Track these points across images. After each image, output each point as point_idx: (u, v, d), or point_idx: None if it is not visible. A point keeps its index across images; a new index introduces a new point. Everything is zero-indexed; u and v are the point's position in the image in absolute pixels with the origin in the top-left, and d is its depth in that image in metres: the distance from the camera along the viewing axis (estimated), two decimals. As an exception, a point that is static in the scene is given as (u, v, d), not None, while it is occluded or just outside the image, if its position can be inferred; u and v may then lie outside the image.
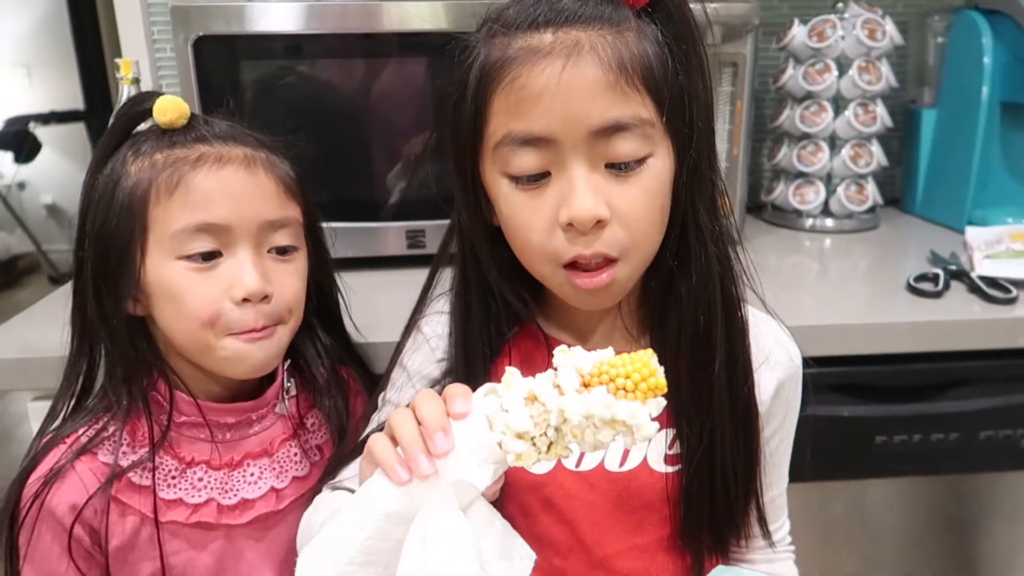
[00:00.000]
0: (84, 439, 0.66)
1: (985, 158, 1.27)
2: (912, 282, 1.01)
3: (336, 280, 0.80)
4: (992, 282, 0.99)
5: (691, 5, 0.59)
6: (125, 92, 1.14)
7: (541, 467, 0.63)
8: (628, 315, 0.68)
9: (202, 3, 1.00)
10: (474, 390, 0.52)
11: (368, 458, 0.53)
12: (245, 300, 0.65)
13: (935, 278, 1.01)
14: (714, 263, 0.63)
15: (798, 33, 1.27)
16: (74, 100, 4.35)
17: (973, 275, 1.01)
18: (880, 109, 1.28)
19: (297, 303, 0.70)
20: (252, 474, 0.70)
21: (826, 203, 1.33)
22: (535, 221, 0.58)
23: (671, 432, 0.66)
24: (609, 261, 0.58)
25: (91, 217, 0.66)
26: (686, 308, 0.63)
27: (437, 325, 0.70)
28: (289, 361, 0.75)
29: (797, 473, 0.95)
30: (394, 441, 0.51)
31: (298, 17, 1.02)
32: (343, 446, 0.73)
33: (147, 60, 1.34)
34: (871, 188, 1.32)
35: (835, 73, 1.25)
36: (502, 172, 0.59)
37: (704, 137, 0.61)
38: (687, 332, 0.64)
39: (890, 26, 1.25)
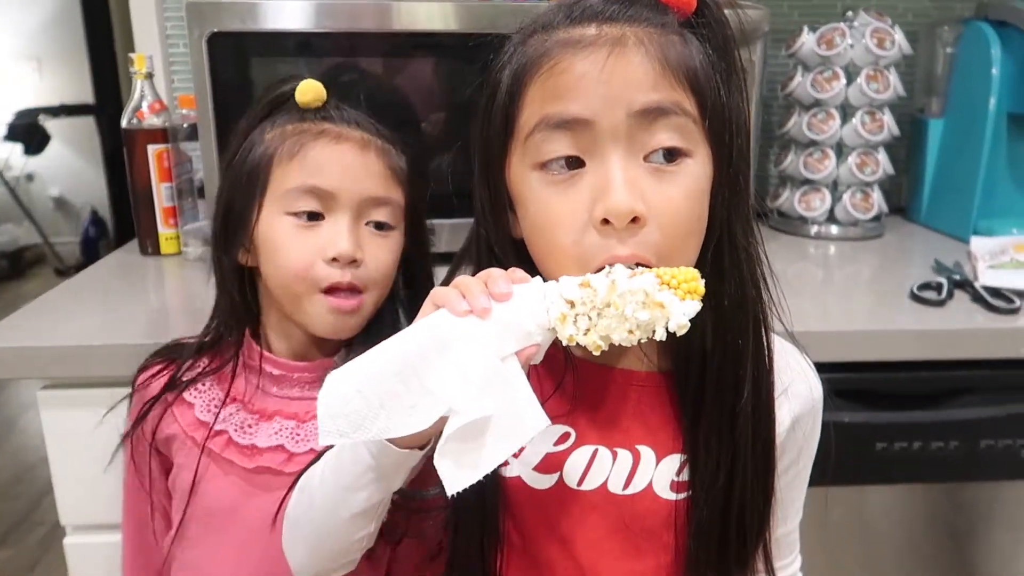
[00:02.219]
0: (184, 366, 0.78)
1: (991, 168, 1.28)
2: (916, 290, 1.01)
3: (431, 273, 0.84)
4: (996, 292, 1.00)
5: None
6: (139, 87, 1.16)
7: (542, 482, 0.63)
8: (649, 341, 0.65)
9: (217, 0, 1.01)
10: None
11: (429, 303, 0.54)
12: (335, 260, 0.71)
13: (939, 287, 1.02)
14: (749, 286, 0.61)
15: (807, 40, 1.27)
16: (84, 94, 4.37)
17: (977, 285, 1.02)
18: (887, 118, 1.29)
19: (382, 275, 0.75)
20: (274, 428, 0.75)
21: (832, 210, 1.33)
22: (566, 218, 0.55)
23: (680, 458, 0.63)
24: (639, 264, 0.54)
25: (228, 175, 0.76)
26: (717, 331, 0.61)
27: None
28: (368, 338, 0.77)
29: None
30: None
31: (311, 15, 1.03)
32: None
33: (160, 55, 1.35)
34: (877, 196, 1.32)
35: (843, 81, 1.26)
36: (532, 164, 0.56)
37: (742, 155, 0.59)
38: (716, 357, 0.61)
39: (899, 35, 1.25)
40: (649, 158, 0.55)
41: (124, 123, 1.16)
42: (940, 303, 0.99)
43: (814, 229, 1.35)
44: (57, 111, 4.60)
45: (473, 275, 0.61)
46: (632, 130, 0.54)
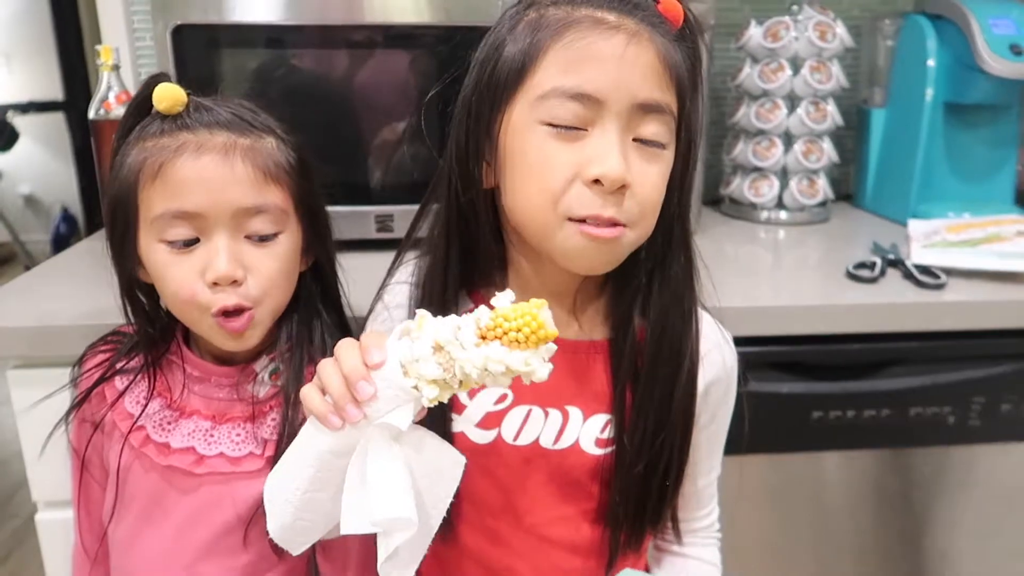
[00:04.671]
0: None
1: (929, 156, 1.34)
2: (851, 269, 1.07)
3: (334, 260, 0.82)
4: (925, 270, 1.06)
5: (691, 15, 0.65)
6: (105, 79, 1.19)
7: (483, 437, 0.70)
8: (582, 308, 0.72)
9: (181, -7, 1.05)
10: None
11: (304, 408, 0.58)
12: (215, 283, 0.69)
13: (872, 265, 1.08)
14: (691, 266, 0.70)
15: (755, 34, 1.33)
16: (53, 90, 4.33)
17: (908, 263, 1.08)
18: (831, 108, 1.35)
19: (272, 285, 0.73)
20: (189, 428, 0.76)
21: (780, 197, 1.39)
22: (559, 169, 0.61)
23: (606, 417, 0.71)
24: (615, 224, 0.62)
25: (108, 188, 0.73)
26: (657, 305, 0.68)
27: (397, 295, 0.75)
28: (290, 343, 0.77)
29: (738, 445, 1.02)
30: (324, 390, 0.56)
31: (277, 8, 1.07)
32: None
33: (127, 48, 1.38)
34: (822, 183, 1.38)
35: (788, 72, 1.32)
36: (540, 120, 0.61)
37: (695, 154, 0.67)
38: (655, 329, 0.68)
39: (841, 29, 1.31)
40: (638, 140, 0.62)
41: (91, 114, 1.19)
42: (873, 280, 1.05)
43: (764, 215, 1.40)
44: (26, 108, 4.55)
45: (439, 228, 0.69)
46: (632, 115, 0.61)
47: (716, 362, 0.73)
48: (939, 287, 1.02)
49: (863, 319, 0.99)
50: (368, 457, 0.54)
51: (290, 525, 0.61)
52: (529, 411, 0.70)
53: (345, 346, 0.56)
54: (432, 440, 0.58)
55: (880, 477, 1.08)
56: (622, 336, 0.69)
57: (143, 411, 0.76)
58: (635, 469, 0.69)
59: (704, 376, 0.72)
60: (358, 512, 0.54)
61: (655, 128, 0.62)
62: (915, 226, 1.23)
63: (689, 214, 0.69)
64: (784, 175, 1.39)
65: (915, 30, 1.33)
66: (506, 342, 0.51)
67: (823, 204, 1.41)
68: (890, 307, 1.00)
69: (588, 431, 0.70)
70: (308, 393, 0.57)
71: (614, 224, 0.61)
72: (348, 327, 0.84)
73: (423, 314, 0.55)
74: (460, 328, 0.52)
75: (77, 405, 0.79)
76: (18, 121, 4.62)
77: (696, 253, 0.71)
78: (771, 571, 1.10)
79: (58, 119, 4.46)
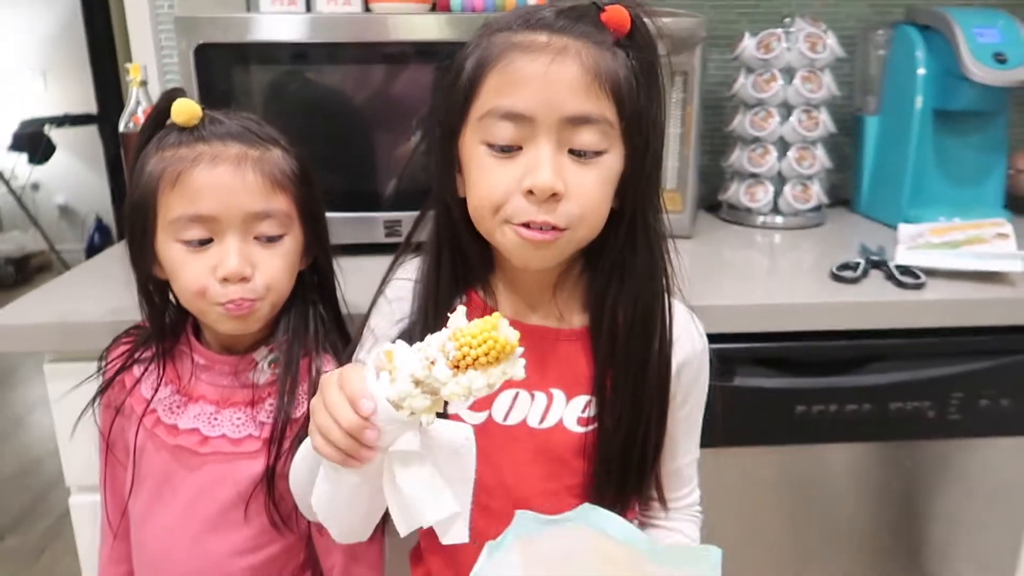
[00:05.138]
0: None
1: (919, 161, 1.38)
2: (835, 270, 1.12)
3: (332, 260, 0.89)
4: (906, 270, 1.10)
5: (645, 20, 0.70)
6: (134, 94, 1.27)
7: (475, 418, 0.76)
8: (563, 300, 0.78)
9: (203, 14, 1.13)
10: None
11: (323, 457, 0.62)
12: (225, 279, 0.77)
13: (856, 266, 1.12)
14: (657, 256, 0.75)
15: (748, 45, 1.38)
16: (87, 104, 4.48)
17: (890, 264, 1.12)
18: (824, 116, 1.40)
19: (276, 281, 0.80)
20: (195, 411, 0.84)
21: (775, 202, 1.44)
22: (501, 183, 0.68)
23: (587, 398, 0.77)
24: (554, 228, 0.68)
25: (129, 192, 0.81)
26: (629, 289, 0.74)
27: (399, 290, 0.82)
28: (288, 335, 0.85)
29: (723, 438, 1.07)
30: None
31: (292, 29, 1.15)
32: None
33: (155, 65, 1.47)
34: (816, 188, 1.43)
35: (780, 82, 1.37)
36: (482, 140, 0.69)
37: (654, 154, 0.72)
38: (628, 311, 0.75)
39: (831, 40, 1.36)
40: (573, 151, 0.68)
41: (121, 127, 1.28)
42: (855, 280, 1.10)
43: (760, 219, 1.45)
44: (62, 121, 4.72)
45: (431, 236, 0.77)
46: (562, 128, 0.67)
47: (686, 346, 0.79)
48: (919, 287, 1.07)
49: (843, 317, 1.04)
50: (396, 475, 0.60)
51: (347, 533, 0.70)
52: (516, 394, 0.77)
53: (333, 402, 0.59)
54: (440, 426, 0.62)
55: (863, 470, 1.12)
56: (599, 323, 0.76)
57: (155, 395, 0.84)
58: (614, 443, 0.75)
59: (676, 357, 0.78)
60: (407, 516, 0.62)
61: (588, 138, 0.67)
62: (904, 229, 1.28)
63: (652, 208, 0.74)
64: (779, 181, 1.44)
65: (905, 40, 1.38)
66: (478, 366, 0.55)
67: (818, 208, 1.45)
68: (870, 305, 1.05)
69: (571, 411, 0.77)
70: (321, 447, 0.61)
71: (552, 228, 0.68)
72: (343, 322, 0.91)
73: (390, 349, 0.59)
74: (433, 363, 0.56)
75: (101, 391, 0.87)
76: (54, 134, 4.79)
77: (667, 246, 0.76)
78: (756, 561, 1.14)
79: (92, 132, 4.61)
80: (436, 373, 0.56)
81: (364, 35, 1.17)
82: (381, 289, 0.84)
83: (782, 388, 1.06)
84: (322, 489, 0.66)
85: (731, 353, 1.04)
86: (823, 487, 1.13)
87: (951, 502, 1.14)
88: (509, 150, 0.68)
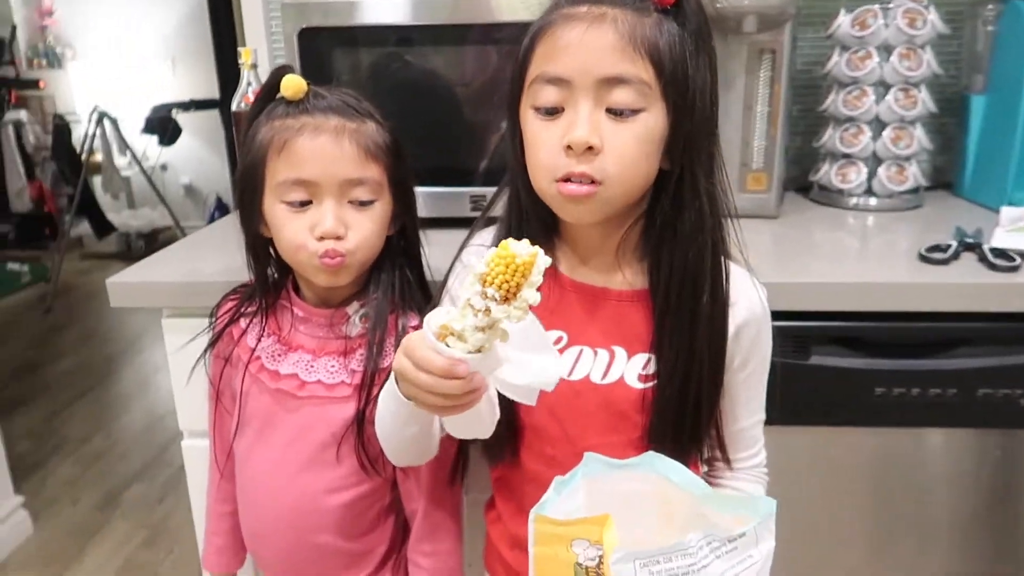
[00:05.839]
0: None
1: (1027, 142, 1.32)
2: (924, 252, 1.09)
3: (418, 227, 0.96)
4: (1001, 253, 1.06)
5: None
6: (245, 76, 1.37)
7: None
8: (626, 261, 0.82)
9: (305, 1, 1.21)
10: None
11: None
12: (322, 237, 0.85)
13: (947, 248, 1.09)
14: (707, 215, 0.77)
15: (843, 22, 1.35)
16: (211, 89, 4.77)
17: (984, 247, 1.08)
18: (923, 94, 1.35)
19: (365, 242, 0.87)
20: (294, 359, 0.92)
21: (869, 183, 1.40)
22: (547, 143, 0.74)
23: (647, 356, 0.80)
24: (593, 182, 0.72)
25: (240, 159, 0.90)
26: (679, 247, 0.77)
27: (474, 255, 0.87)
28: (378, 293, 0.92)
29: (800, 416, 1.07)
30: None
31: (389, 11, 1.21)
32: None
33: (265, 49, 1.58)
34: (913, 169, 1.38)
35: (876, 59, 1.33)
36: (531, 105, 0.75)
37: (703, 114, 0.74)
38: (678, 268, 0.77)
39: (933, 15, 1.31)
40: (610, 109, 0.72)
41: (233, 107, 1.38)
42: (944, 262, 1.07)
43: (852, 201, 1.42)
44: (187, 106, 5.06)
45: (509, 198, 0.84)
46: (598, 88, 0.72)
47: (745, 307, 0.81)
48: (1013, 270, 1.03)
49: (929, 298, 1.01)
50: (504, 375, 0.66)
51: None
52: (581, 351, 0.81)
53: (428, 383, 0.65)
54: (507, 327, 0.65)
55: (947, 456, 1.09)
56: (655, 281, 0.79)
57: (259, 344, 0.93)
58: (669, 398, 0.78)
59: (735, 319, 0.80)
60: (530, 394, 0.68)
61: (623, 96, 0.71)
62: (1006, 212, 1.22)
63: (702, 169, 0.76)
64: (874, 161, 1.40)
65: (1016, 16, 1.31)
66: (504, 291, 0.60)
67: (915, 191, 1.41)
68: (958, 287, 1.02)
69: (632, 368, 0.80)
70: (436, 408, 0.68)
71: (590, 181, 0.72)
72: (427, 285, 0.97)
73: (442, 321, 0.64)
74: (487, 310, 0.61)
75: (212, 343, 0.97)
76: (181, 118, 5.14)
77: (722, 209, 0.78)
78: (829, 543, 1.13)
79: (214, 116, 4.92)
80: (496, 314, 0.61)
81: (463, 16, 1.22)
82: (459, 255, 0.90)
83: (862, 368, 1.05)
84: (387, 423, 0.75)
85: (807, 331, 1.03)
86: (901, 471, 1.10)
87: (1041, 494, 1.09)
88: (553, 112, 0.73)
